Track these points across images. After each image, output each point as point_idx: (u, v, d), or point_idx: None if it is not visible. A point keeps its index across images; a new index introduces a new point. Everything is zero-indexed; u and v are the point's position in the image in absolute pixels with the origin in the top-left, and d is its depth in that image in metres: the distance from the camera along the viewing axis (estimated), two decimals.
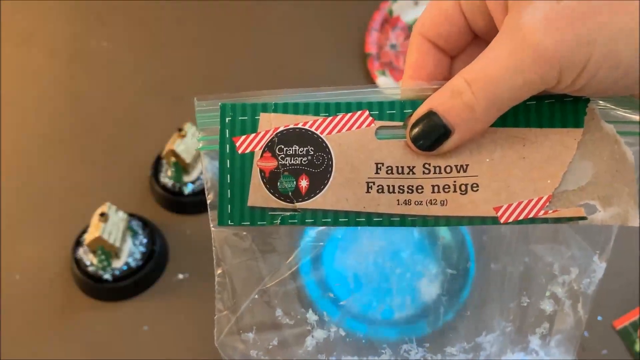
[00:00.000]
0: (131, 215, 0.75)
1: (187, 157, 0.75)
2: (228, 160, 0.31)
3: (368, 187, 0.30)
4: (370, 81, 0.89)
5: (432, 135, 0.28)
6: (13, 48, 0.95)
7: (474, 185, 0.29)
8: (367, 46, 0.91)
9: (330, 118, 0.29)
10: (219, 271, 0.35)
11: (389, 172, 0.29)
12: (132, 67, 0.93)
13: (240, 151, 0.30)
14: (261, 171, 0.30)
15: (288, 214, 0.30)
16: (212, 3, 0.99)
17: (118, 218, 0.72)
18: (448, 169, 0.29)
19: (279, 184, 0.30)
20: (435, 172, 0.29)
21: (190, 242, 0.76)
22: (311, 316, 0.40)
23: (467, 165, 0.29)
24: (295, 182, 0.30)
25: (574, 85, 0.26)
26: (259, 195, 0.30)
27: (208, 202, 0.32)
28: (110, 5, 0.99)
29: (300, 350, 0.40)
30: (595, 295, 0.40)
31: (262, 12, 0.98)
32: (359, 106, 0.29)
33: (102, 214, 0.70)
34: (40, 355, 0.69)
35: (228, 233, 0.34)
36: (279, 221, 0.30)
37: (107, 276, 0.71)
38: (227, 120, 0.31)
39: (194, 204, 0.77)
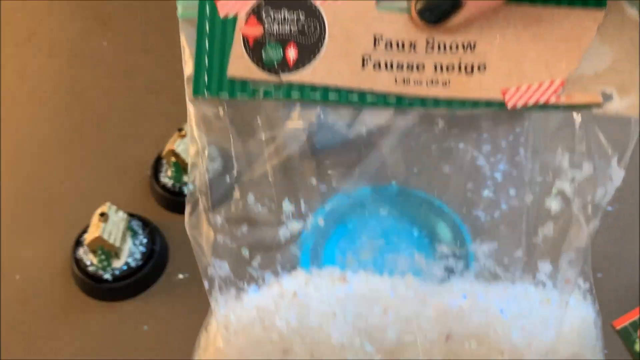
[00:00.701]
0: (131, 215, 0.75)
1: (188, 157, 0.75)
2: (207, 24, 0.28)
3: (363, 62, 0.27)
4: None
5: (440, 6, 0.25)
6: (13, 48, 0.95)
7: (482, 65, 0.27)
8: None
9: None
10: (193, 150, 0.34)
11: (388, 46, 0.26)
12: (132, 67, 0.93)
13: (222, 14, 0.27)
14: (244, 38, 0.27)
15: (272, 86, 0.27)
16: None
17: (118, 218, 0.72)
18: (454, 47, 0.26)
19: (263, 53, 0.27)
20: (439, 50, 0.27)
21: (190, 242, 0.76)
22: (287, 206, 0.37)
23: (475, 43, 0.26)
24: (282, 52, 0.27)
25: None
26: (240, 64, 0.27)
27: (185, 76, 0.30)
28: (111, 5, 0.99)
29: (272, 240, 0.38)
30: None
31: None
32: None
33: (102, 214, 0.70)
34: (40, 355, 0.69)
35: (204, 110, 0.32)
36: (261, 94, 0.28)
37: (107, 276, 0.71)
38: None
39: None
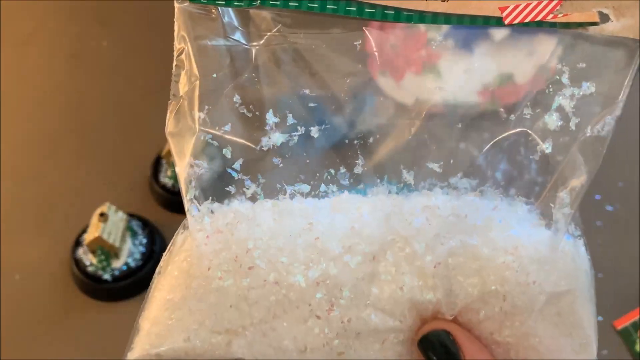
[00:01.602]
0: (131, 216, 0.75)
1: None
2: None
3: None
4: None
5: None
6: (13, 48, 0.95)
7: None
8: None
9: None
10: (179, 49, 0.33)
11: None
12: (131, 67, 0.93)
13: None
14: None
15: None
16: None
17: (117, 218, 0.72)
18: None
19: None
20: None
21: None
22: (270, 117, 0.36)
23: None
24: None
25: None
26: None
27: None
28: (110, 5, 0.99)
29: (253, 146, 0.37)
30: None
31: None
32: None
33: (102, 214, 0.70)
34: (40, 355, 0.69)
35: (192, 9, 0.32)
36: (258, 1, 0.27)
37: (106, 276, 0.71)
38: None
39: None
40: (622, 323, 0.69)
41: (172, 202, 0.78)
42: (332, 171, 0.38)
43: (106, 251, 0.71)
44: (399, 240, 0.32)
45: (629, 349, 0.67)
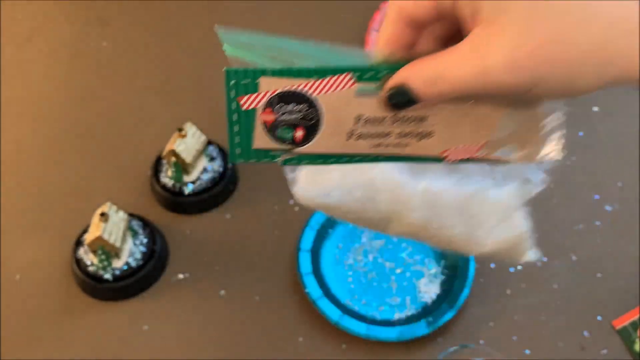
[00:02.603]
0: (131, 215, 0.75)
1: (188, 157, 0.75)
2: (235, 114, 0.36)
3: (349, 135, 0.37)
4: None
5: (403, 100, 0.34)
6: (14, 48, 0.96)
7: (430, 132, 0.36)
8: (367, 46, 0.92)
9: (320, 80, 0.35)
10: None
11: (366, 123, 0.36)
12: (132, 67, 0.93)
13: (244, 108, 0.36)
14: (263, 123, 0.36)
15: (288, 156, 0.37)
16: (212, 3, 0.99)
17: (118, 218, 0.72)
18: (411, 120, 0.36)
19: (277, 133, 0.37)
20: (400, 122, 0.36)
21: (190, 242, 0.76)
22: None
23: (426, 117, 0.36)
24: (292, 133, 0.36)
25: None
26: (261, 141, 0.36)
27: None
28: (111, 6, 0.99)
29: None
30: None
31: (262, 12, 0.98)
32: (346, 70, 0.36)
33: (103, 214, 0.70)
34: (40, 354, 0.70)
35: None
36: (280, 160, 0.38)
37: (107, 276, 0.71)
38: (231, 83, 0.36)
39: (194, 203, 0.77)
40: (621, 323, 0.69)
41: (173, 202, 0.78)
42: None
43: (107, 251, 0.71)
44: None
45: (628, 348, 0.68)
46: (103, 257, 0.71)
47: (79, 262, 0.72)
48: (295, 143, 0.36)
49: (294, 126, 0.36)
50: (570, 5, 0.30)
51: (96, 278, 0.71)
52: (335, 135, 0.36)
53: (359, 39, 0.93)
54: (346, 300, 0.71)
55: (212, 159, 0.80)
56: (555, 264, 0.73)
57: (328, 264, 0.73)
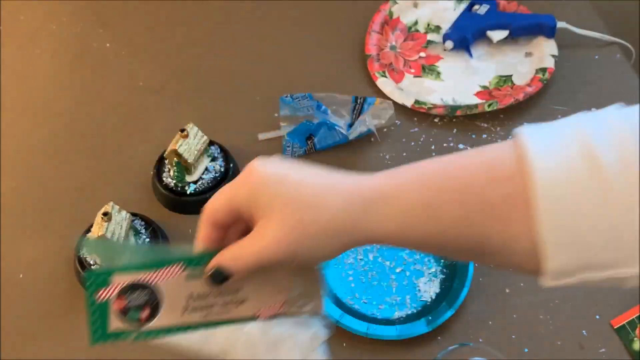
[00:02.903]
0: (134, 215, 0.75)
1: (190, 157, 0.76)
2: (94, 306, 0.46)
3: (184, 310, 0.46)
4: (370, 82, 0.90)
5: (220, 278, 0.45)
6: (16, 49, 0.96)
7: (244, 299, 0.47)
8: (367, 48, 0.92)
9: (159, 271, 0.45)
10: None
11: (196, 299, 0.46)
12: (134, 68, 0.93)
13: (100, 300, 0.45)
14: (117, 309, 0.45)
15: (137, 334, 0.46)
16: (213, 4, 0.99)
17: (121, 217, 0.72)
18: (229, 292, 0.46)
19: (128, 316, 0.46)
20: (222, 295, 0.46)
21: (192, 242, 0.77)
22: None
23: (240, 289, 0.46)
24: (139, 314, 0.46)
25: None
26: (116, 323, 0.46)
27: None
28: (113, 7, 1.00)
29: None
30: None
31: (263, 13, 0.98)
32: (176, 261, 0.46)
33: (105, 214, 0.71)
34: (44, 352, 0.70)
35: None
36: (132, 338, 0.47)
37: None
38: (90, 282, 0.45)
39: (196, 203, 0.78)
40: (620, 322, 0.69)
41: (175, 201, 0.78)
42: None
43: None
44: None
45: (626, 347, 0.68)
46: None
47: (82, 262, 0.73)
48: (143, 322, 0.46)
49: (141, 308, 0.45)
50: (310, 197, 0.43)
51: None
52: (173, 311, 0.46)
53: (359, 39, 0.94)
54: (347, 299, 0.72)
55: (213, 159, 0.80)
56: None
57: (328, 263, 0.74)
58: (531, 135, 0.40)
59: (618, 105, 0.40)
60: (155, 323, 0.46)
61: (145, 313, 0.45)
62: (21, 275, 0.75)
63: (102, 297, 0.45)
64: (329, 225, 0.42)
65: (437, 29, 0.95)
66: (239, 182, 0.44)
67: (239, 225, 0.45)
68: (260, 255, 0.43)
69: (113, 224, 0.71)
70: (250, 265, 0.43)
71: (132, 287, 0.45)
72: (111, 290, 0.45)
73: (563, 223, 0.38)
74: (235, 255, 0.44)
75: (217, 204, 0.44)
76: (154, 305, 0.45)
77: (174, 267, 0.45)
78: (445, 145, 0.83)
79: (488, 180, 0.40)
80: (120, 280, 0.45)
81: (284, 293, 0.47)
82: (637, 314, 0.69)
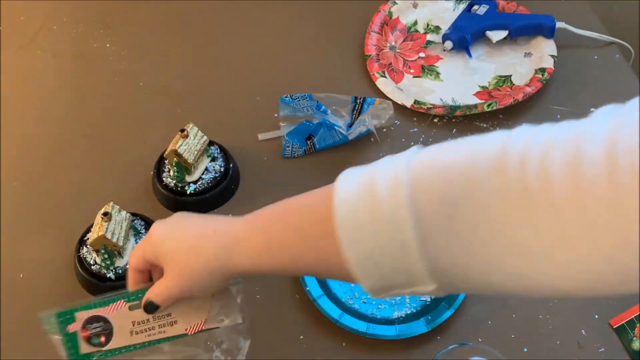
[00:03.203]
0: (134, 215, 0.75)
1: (190, 157, 0.76)
2: (67, 336, 0.59)
3: (131, 333, 0.59)
4: (370, 82, 0.90)
5: (152, 308, 0.57)
6: (17, 49, 0.96)
7: (175, 321, 0.59)
8: (366, 48, 0.92)
9: (109, 306, 0.58)
10: None
11: (139, 324, 0.59)
12: (135, 68, 0.93)
13: (70, 331, 0.58)
14: (83, 337, 0.59)
15: (100, 354, 0.59)
16: (214, 5, 1.00)
17: (121, 217, 0.72)
18: (163, 317, 0.59)
19: (91, 342, 0.59)
20: (158, 319, 0.59)
21: None
22: None
23: (170, 313, 0.59)
24: (99, 339, 0.59)
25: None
26: (84, 347, 0.59)
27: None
28: (113, 7, 1.00)
29: None
30: None
31: (263, 13, 0.98)
32: (119, 299, 0.59)
33: (106, 214, 0.71)
34: (44, 353, 0.70)
35: None
36: (96, 357, 0.59)
37: (110, 275, 0.72)
38: (60, 319, 0.58)
39: (196, 203, 0.78)
40: (619, 321, 0.69)
41: (175, 201, 0.78)
42: None
43: (110, 250, 0.72)
44: None
45: (625, 347, 0.68)
46: (106, 256, 0.72)
47: (82, 261, 0.73)
48: (102, 345, 0.59)
49: (99, 335, 0.59)
50: (189, 249, 0.54)
51: (99, 277, 0.72)
52: (123, 335, 0.59)
53: (359, 40, 0.94)
54: (346, 299, 0.72)
55: (213, 159, 0.80)
56: None
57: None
58: (342, 180, 0.47)
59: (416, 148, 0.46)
60: (111, 345, 0.59)
61: (102, 338, 0.59)
62: (21, 275, 0.75)
63: (71, 329, 0.59)
64: (206, 267, 0.54)
65: (437, 29, 0.96)
66: (145, 241, 0.57)
67: (158, 270, 0.58)
68: (169, 292, 0.56)
69: (113, 224, 0.71)
70: (166, 299, 0.56)
71: (91, 320, 0.59)
72: (77, 324, 0.59)
73: (360, 258, 0.45)
74: (157, 292, 0.57)
75: (135, 257, 0.58)
76: (108, 332, 0.59)
77: (120, 303, 0.59)
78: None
79: (311, 222, 0.48)
80: (82, 316, 0.59)
81: (204, 312, 0.59)
82: (636, 314, 0.69)
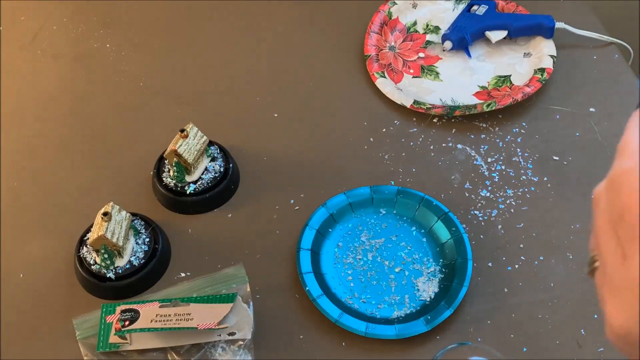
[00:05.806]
0: (134, 215, 0.76)
1: (190, 157, 0.76)
2: (104, 325, 0.68)
3: (151, 322, 0.67)
4: (369, 82, 0.90)
5: None
6: (17, 50, 0.96)
7: (191, 317, 0.67)
8: (366, 48, 0.92)
9: (146, 304, 0.69)
10: None
11: (161, 316, 0.68)
12: (135, 68, 0.94)
13: (108, 321, 0.68)
14: (115, 328, 0.68)
15: (120, 332, 0.68)
16: (214, 5, 1.00)
17: (121, 217, 0.72)
18: (181, 312, 0.68)
19: (119, 334, 0.67)
20: (178, 315, 0.68)
21: (192, 241, 0.77)
22: None
23: (187, 309, 0.68)
24: (124, 323, 0.68)
25: None
26: (113, 338, 0.68)
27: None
28: (113, 7, 1.00)
29: None
30: None
31: (263, 13, 0.99)
32: (154, 301, 0.69)
33: (105, 214, 0.71)
34: (44, 352, 0.70)
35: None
36: (126, 347, 0.68)
37: (110, 275, 0.72)
38: (103, 310, 0.69)
39: (196, 203, 0.78)
40: None
41: (175, 201, 0.79)
42: None
43: (110, 250, 0.72)
44: None
45: None
46: (106, 256, 0.72)
47: (82, 261, 0.73)
48: (125, 327, 0.68)
49: (125, 320, 0.68)
50: None
51: (99, 277, 0.72)
52: (144, 322, 0.67)
53: (358, 40, 0.94)
54: (346, 299, 0.72)
55: (213, 159, 0.81)
56: (552, 262, 0.74)
57: (328, 263, 0.74)
58: None
59: None
60: (130, 327, 0.68)
61: (127, 322, 0.68)
62: (21, 275, 0.75)
63: (109, 319, 0.68)
64: None
65: (436, 29, 0.96)
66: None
67: None
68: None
69: (113, 224, 0.71)
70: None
71: (125, 311, 0.68)
72: (115, 316, 0.68)
73: None
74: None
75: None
76: (134, 320, 0.68)
77: (154, 302, 0.69)
78: (444, 145, 0.83)
79: None
80: (121, 309, 0.69)
81: (219, 319, 0.67)
82: None
